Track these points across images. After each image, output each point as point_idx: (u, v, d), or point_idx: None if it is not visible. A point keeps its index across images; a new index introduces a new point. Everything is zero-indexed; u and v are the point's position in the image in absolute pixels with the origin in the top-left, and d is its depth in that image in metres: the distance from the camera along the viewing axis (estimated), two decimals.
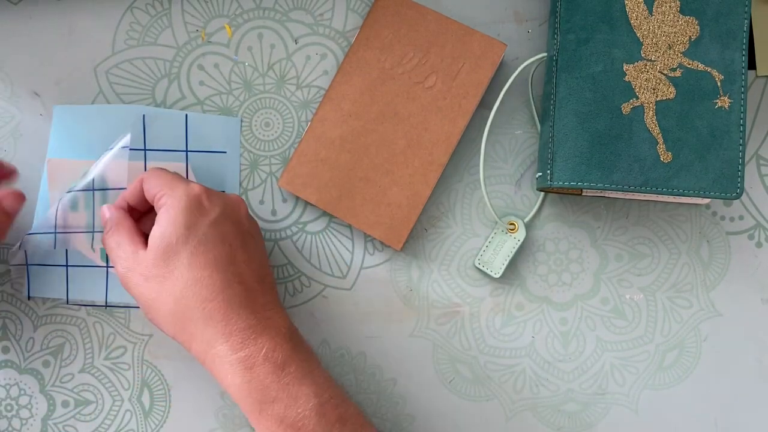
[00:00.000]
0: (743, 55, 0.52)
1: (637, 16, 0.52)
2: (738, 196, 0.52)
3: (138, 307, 0.57)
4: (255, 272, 0.49)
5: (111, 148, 0.54)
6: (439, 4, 0.57)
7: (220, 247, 0.48)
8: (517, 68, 0.55)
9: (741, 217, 0.58)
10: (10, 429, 0.56)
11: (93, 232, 0.54)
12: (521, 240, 0.56)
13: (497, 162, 0.58)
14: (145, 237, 0.49)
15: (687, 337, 0.58)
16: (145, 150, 0.56)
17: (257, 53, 0.58)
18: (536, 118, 0.57)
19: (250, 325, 0.47)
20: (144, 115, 0.56)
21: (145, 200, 0.51)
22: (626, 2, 0.52)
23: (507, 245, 0.56)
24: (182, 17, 0.57)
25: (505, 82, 0.55)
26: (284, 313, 0.50)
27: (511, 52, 0.58)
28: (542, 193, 0.57)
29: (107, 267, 0.56)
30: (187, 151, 0.56)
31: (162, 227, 0.48)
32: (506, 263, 0.56)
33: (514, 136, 0.58)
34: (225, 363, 0.47)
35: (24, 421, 0.57)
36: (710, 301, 0.58)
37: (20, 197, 0.52)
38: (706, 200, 0.56)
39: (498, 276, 0.56)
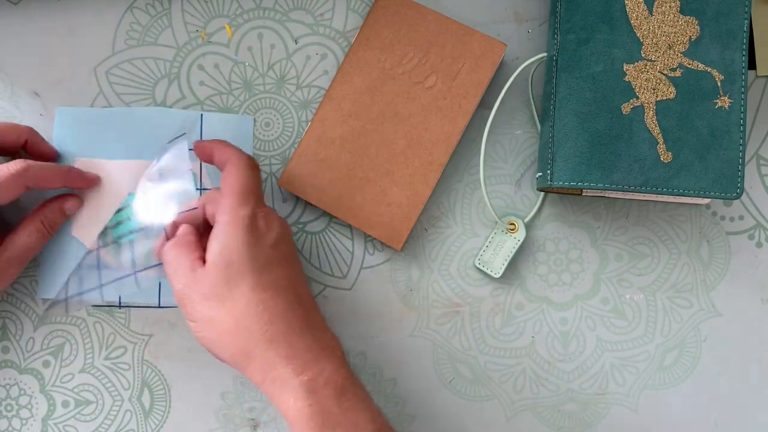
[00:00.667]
0: (743, 55, 0.52)
1: (637, 16, 0.52)
2: (738, 196, 0.52)
3: (137, 307, 0.57)
4: (309, 294, 0.49)
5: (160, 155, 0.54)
6: (439, 4, 0.57)
7: (283, 268, 0.48)
8: (517, 68, 0.55)
9: (741, 217, 0.58)
10: (10, 429, 0.56)
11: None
12: (521, 240, 0.56)
13: (497, 162, 0.58)
14: (204, 253, 0.48)
15: (687, 337, 0.58)
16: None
17: (257, 53, 0.58)
18: (536, 118, 0.57)
19: (311, 349, 0.46)
20: (202, 115, 0.57)
21: (204, 221, 0.51)
22: (626, 2, 0.52)
23: (507, 245, 0.56)
24: (182, 17, 0.57)
25: (505, 82, 0.55)
26: (335, 335, 0.49)
27: (511, 52, 0.58)
28: (542, 193, 0.57)
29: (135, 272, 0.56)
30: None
31: (221, 245, 0.47)
32: (506, 263, 0.56)
33: (514, 136, 0.58)
34: (286, 386, 0.46)
35: (24, 421, 0.57)
36: (710, 301, 0.58)
37: (80, 202, 0.55)
38: (706, 200, 0.57)
39: (498, 276, 0.56)
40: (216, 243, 0.47)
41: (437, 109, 0.55)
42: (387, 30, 0.56)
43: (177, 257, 0.48)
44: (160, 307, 0.56)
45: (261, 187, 0.50)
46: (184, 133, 0.53)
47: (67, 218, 0.55)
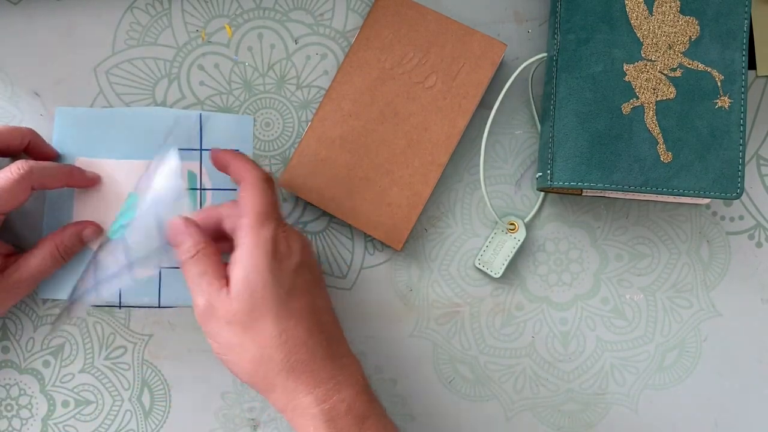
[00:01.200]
0: (743, 55, 0.52)
1: (637, 16, 0.52)
2: (738, 196, 0.52)
3: (139, 307, 0.57)
4: (332, 319, 0.49)
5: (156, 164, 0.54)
6: (439, 4, 0.57)
7: (305, 296, 0.47)
8: (517, 68, 0.55)
9: (741, 217, 0.58)
10: (10, 429, 0.56)
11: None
12: (521, 240, 0.56)
13: (497, 162, 0.58)
14: (225, 270, 0.48)
15: (687, 337, 0.58)
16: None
17: (257, 53, 0.58)
18: (536, 118, 0.57)
19: (333, 376, 0.47)
20: (201, 115, 0.57)
21: (219, 229, 0.51)
22: (626, 2, 0.52)
23: (507, 245, 0.56)
24: (182, 17, 0.57)
25: (505, 82, 0.55)
26: (357, 360, 0.49)
27: (511, 52, 0.58)
28: (542, 193, 0.57)
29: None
30: (201, 150, 0.56)
31: (246, 271, 0.46)
32: (506, 263, 0.56)
33: (514, 136, 0.58)
34: (307, 415, 0.46)
35: (24, 421, 0.57)
36: (710, 301, 0.58)
37: (99, 230, 0.55)
38: (706, 200, 0.57)
39: (498, 276, 0.56)
40: (240, 269, 0.47)
41: (437, 109, 0.55)
42: (387, 30, 0.56)
43: (202, 274, 0.48)
44: (160, 307, 0.56)
45: (279, 203, 0.50)
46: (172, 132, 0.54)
47: (84, 246, 0.55)
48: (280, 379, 0.46)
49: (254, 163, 0.50)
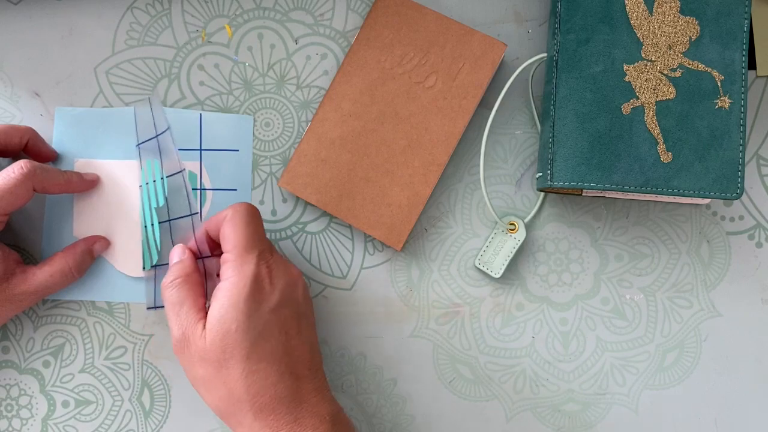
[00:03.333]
0: (743, 55, 0.52)
1: (637, 16, 0.52)
2: (738, 197, 0.52)
3: (139, 303, 0.57)
4: (307, 358, 0.49)
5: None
6: (439, 4, 0.57)
7: (277, 336, 0.47)
8: (517, 68, 0.55)
9: (741, 217, 0.58)
10: (10, 429, 0.56)
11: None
12: (521, 240, 0.56)
13: (497, 162, 0.58)
14: (205, 298, 0.49)
15: (687, 337, 0.58)
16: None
17: (257, 53, 0.58)
18: (536, 118, 0.57)
19: (297, 418, 0.47)
20: (201, 115, 0.57)
21: (212, 244, 0.51)
22: (626, 2, 0.52)
23: (507, 245, 0.56)
24: (182, 17, 0.57)
25: (505, 82, 0.55)
26: (329, 394, 0.49)
27: (511, 52, 0.58)
28: (542, 193, 0.57)
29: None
30: (201, 150, 0.56)
31: (222, 310, 0.46)
32: (506, 263, 0.56)
33: (514, 136, 0.58)
34: None
35: (24, 421, 0.57)
36: (710, 301, 0.58)
37: (108, 244, 0.56)
38: (706, 200, 0.56)
39: (498, 276, 0.56)
40: (217, 307, 0.47)
41: (437, 109, 0.55)
42: (387, 30, 0.55)
43: (182, 303, 0.48)
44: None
45: (264, 234, 0.50)
46: (167, 129, 0.53)
47: (93, 260, 0.56)
48: (246, 419, 0.47)
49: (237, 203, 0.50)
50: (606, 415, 0.57)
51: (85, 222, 0.56)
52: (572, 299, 0.57)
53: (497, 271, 0.56)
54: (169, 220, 0.54)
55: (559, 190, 0.56)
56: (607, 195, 0.56)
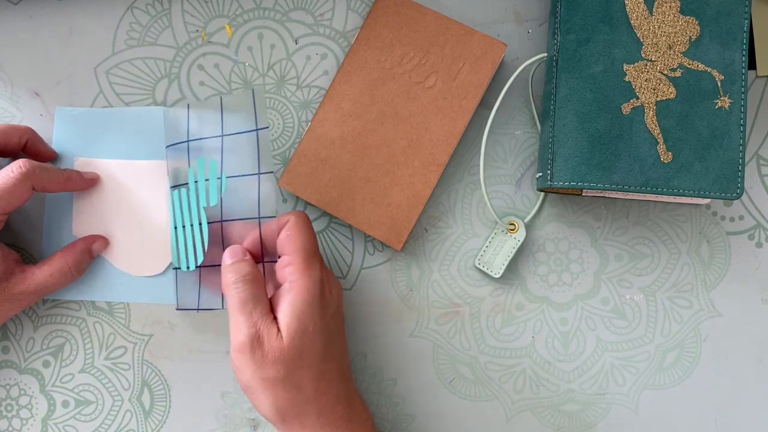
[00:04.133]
0: (743, 55, 0.52)
1: (637, 16, 0.52)
2: (738, 197, 0.52)
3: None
4: (348, 362, 0.51)
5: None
6: (439, 4, 0.57)
7: (339, 340, 0.50)
8: (517, 68, 0.55)
9: (741, 217, 0.58)
10: (10, 429, 0.56)
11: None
12: (521, 240, 0.56)
13: (497, 162, 0.58)
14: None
15: (687, 337, 0.58)
16: (188, 141, 0.54)
17: (257, 53, 0.58)
18: (536, 118, 0.57)
19: (351, 418, 0.49)
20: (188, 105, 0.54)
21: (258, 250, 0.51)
22: (626, 2, 0.52)
23: (507, 245, 0.56)
24: (182, 17, 0.57)
25: (505, 82, 0.55)
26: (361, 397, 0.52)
27: (511, 52, 0.58)
28: (542, 193, 0.57)
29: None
30: (222, 136, 0.53)
31: (298, 311, 0.46)
32: (506, 263, 0.56)
33: (514, 136, 0.58)
34: None
35: (24, 421, 0.57)
36: (710, 301, 0.58)
37: (107, 243, 0.56)
38: (706, 200, 0.56)
39: (498, 276, 0.56)
40: (291, 308, 0.47)
41: (437, 109, 0.55)
42: (387, 30, 0.55)
43: (253, 300, 0.47)
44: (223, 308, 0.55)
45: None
46: (264, 127, 0.50)
47: (93, 259, 0.56)
48: (310, 420, 0.47)
49: (296, 211, 0.50)
50: (606, 415, 0.57)
51: (85, 221, 0.56)
52: (572, 299, 0.57)
53: (497, 271, 0.56)
54: (222, 221, 0.52)
55: (559, 190, 0.56)
56: (607, 195, 0.56)
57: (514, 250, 0.56)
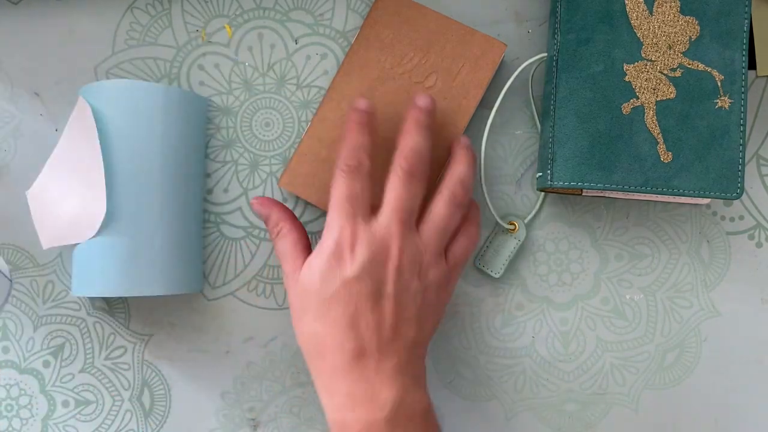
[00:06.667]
0: (743, 55, 0.52)
1: (637, 16, 0.52)
2: (738, 196, 0.52)
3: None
4: (380, 338, 0.46)
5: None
6: (439, 4, 0.57)
7: (344, 307, 0.46)
8: (517, 68, 0.55)
9: (741, 217, 0.58)
10: (10, 429, 0.56)
11: None
12: (521, 240, 0.56)
13: (497, 162, 0.58)
14: (309, 249, 0.51)
15: (687, 337, 0.58)
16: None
17: (257, 53, 0.58)
18: (536, 118, 0.57)
19: (351, 393, 0.46)
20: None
21: None
22: (626, 2, 0.52)
23: (507, 245, 0.56)
24: (182, 17, 0.57)
25: (505, 82, 0.55)
26: (398, 385, 0.46)
27: (511, 52, 0.58)
28: (542, 193, 0.57)
29: None
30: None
31: (310, 268, 0.48)
32: (506, 263, 0.56)
33: (514, 136, 0.58)
34: (326, 413, 0.48)
35: (24, 421, 0.57)
36: (710, 301, 0.58)
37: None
38: (707, 200, 0.57)
39: (498, 276, 0.56)
40: (307, 263, 0.49)
41: (437, 109, 0.55)
42: (387, 30, 0.55)
43: (284, 254, 0.51)
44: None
45: (359, 197, 0.49)
46: None
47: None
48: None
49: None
50: (606, 415, 0.57)
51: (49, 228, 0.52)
52: (572, 299, 0.57)
53: (497, 271, 0.56)
54: None
55: (559, 190, 0.56)
56: (607, 195, 0.56)
57: (514, 250, 0.56)
